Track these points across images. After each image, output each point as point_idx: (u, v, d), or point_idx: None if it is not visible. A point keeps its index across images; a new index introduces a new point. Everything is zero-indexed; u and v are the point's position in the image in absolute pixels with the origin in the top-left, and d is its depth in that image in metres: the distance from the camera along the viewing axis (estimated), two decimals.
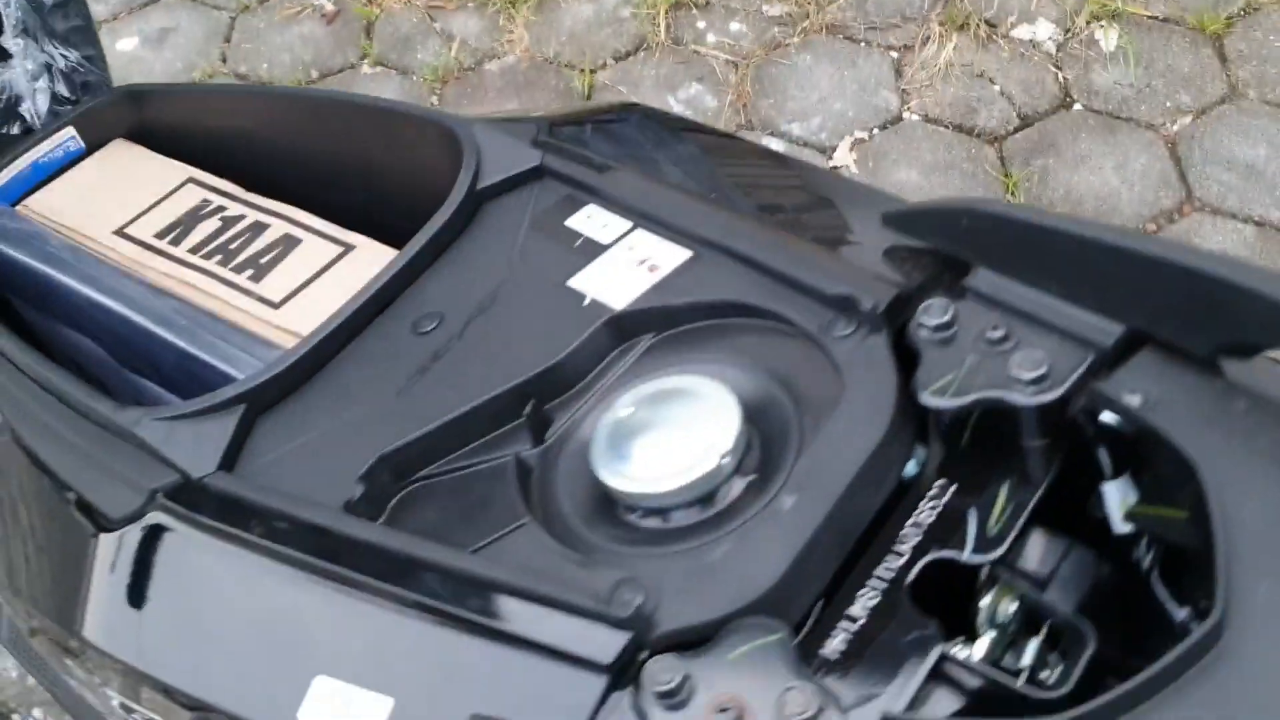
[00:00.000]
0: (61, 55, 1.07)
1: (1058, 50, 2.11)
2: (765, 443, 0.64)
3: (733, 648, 0.57)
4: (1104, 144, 2.01)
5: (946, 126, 2.04)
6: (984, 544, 0.61)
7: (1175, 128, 2.01)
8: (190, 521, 0.70)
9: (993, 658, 0.60)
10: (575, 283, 0.75)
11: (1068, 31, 2.12)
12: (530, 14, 2.22)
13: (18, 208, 1.03)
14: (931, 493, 0.64)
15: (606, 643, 0.57)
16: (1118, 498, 0.66)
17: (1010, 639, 0.63)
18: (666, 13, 2.18)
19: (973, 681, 0.59)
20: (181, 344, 0.88)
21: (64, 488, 0.77)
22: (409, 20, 2.25)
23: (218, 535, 0.69)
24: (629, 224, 0.77)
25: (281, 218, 0.97)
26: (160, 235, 0.98)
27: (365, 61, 2.20)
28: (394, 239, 0.92)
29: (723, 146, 0.94)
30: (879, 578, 0.61)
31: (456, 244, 0.79)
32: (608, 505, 0.65)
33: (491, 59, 2.19)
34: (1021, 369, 0.62)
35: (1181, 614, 0.60)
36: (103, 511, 0.73)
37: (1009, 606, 0.62)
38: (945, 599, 0.61)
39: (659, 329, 0.71)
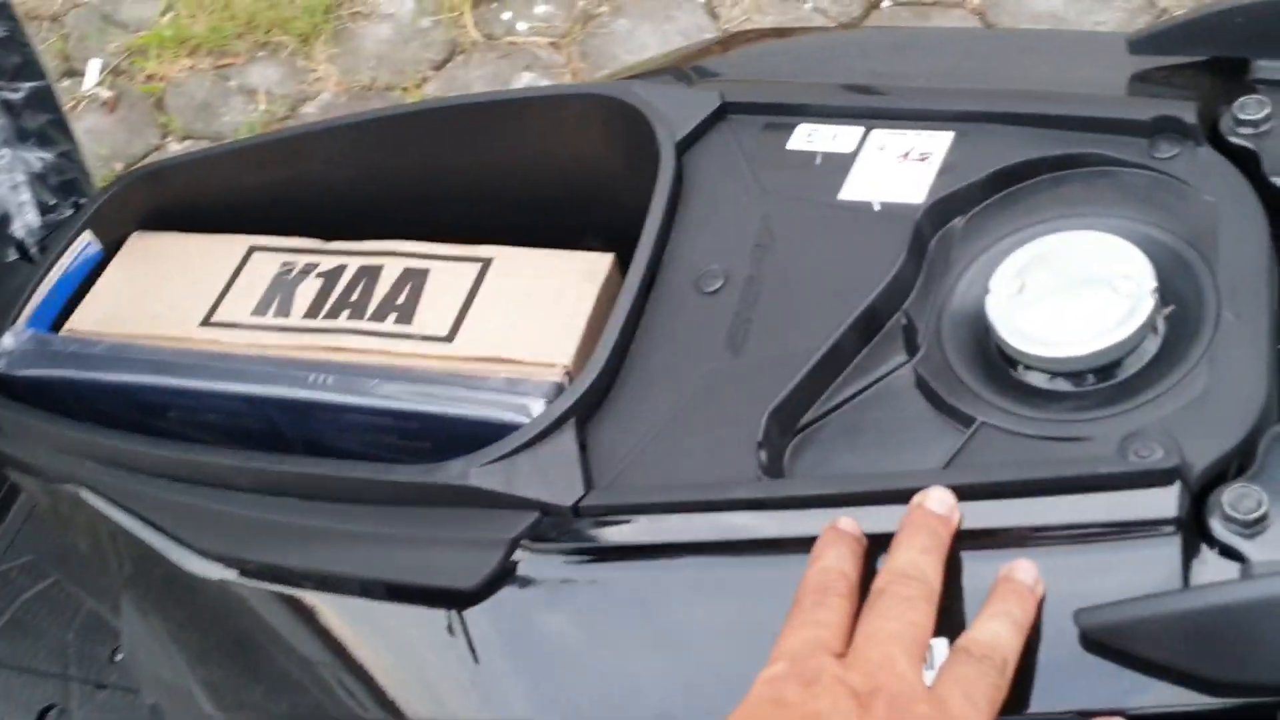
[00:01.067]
0: (38, 158, 0.93)
1: None
2: (1159, 272, 0.63)
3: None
4: None
5: None
6: None
7: (976, 0, 2.13)
8: (579, 552, 0.63)
9: None
10: (847, 195, 0.71)
11: None
12: (327, 46, 2.11)
13: (61, 334, 0.89)
14: None
15: (1162, 498, 0.55)
16: None
17: None
18: (470, 11, 2.12)
19: None
20: (382, 405, 0.78)
21: (375, 587, 0.67)
22: (200, 85, 2.10)
23: (625, 555, 0.62)
24: (860, 128, 0.74)
25: (388, 254, 0.88)
26: (259, 312, 0.87)
27: (170, 137, 2.03)
28: (527, 237, 0.85)
29: (870, 38, 0.92)
30: None
31: (684, 203, 0.74)
32: (1036, 383, 0.63)
33: (305, 101, 2.07)
34: None
35: None
36: (452, 589, 0.64)
37: None
38: None
39: (965, 210, 0.69)
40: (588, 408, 0.67)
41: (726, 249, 0.71)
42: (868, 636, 0.54)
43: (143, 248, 0.94)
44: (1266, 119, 0.66)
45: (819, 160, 0.73)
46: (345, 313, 0.85)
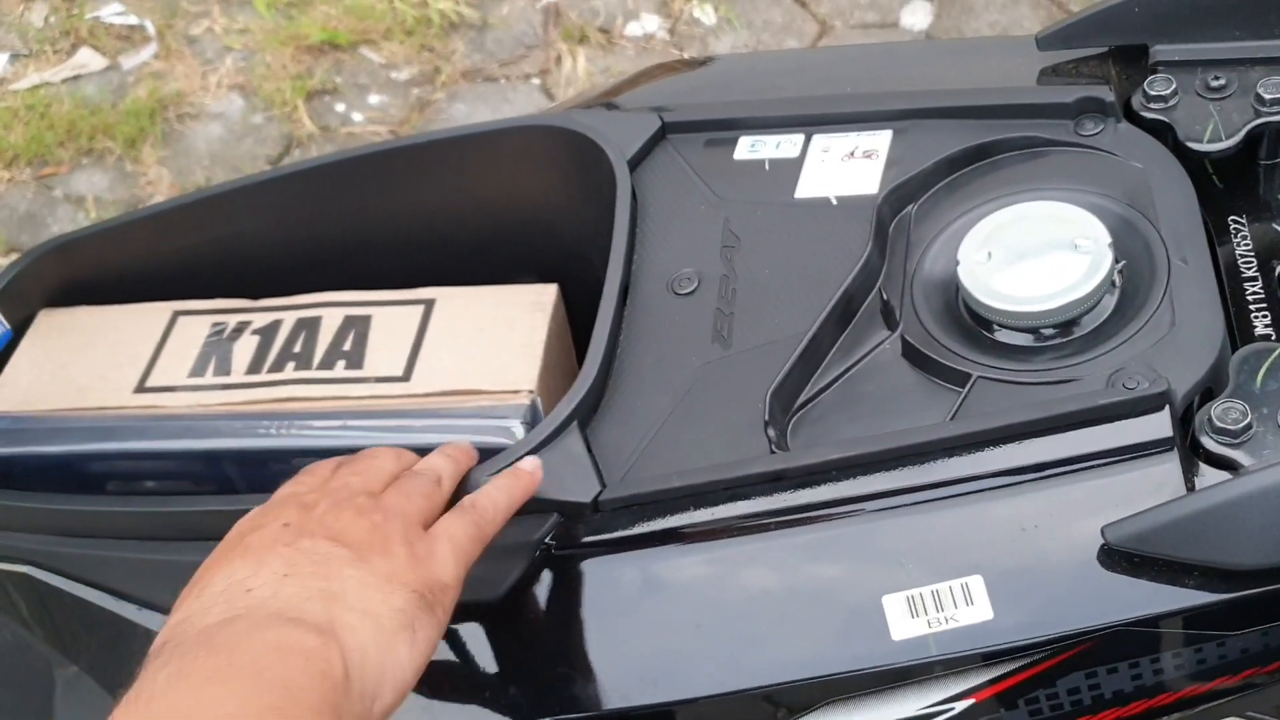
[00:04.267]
0: None
1: (672, 35, 2.28)
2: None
3: (1251, 377, 0.61)
4: None
5: None
6: None
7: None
8: (604, 546, 0.63)
9: None
10: (803, 194, 0.75)
11: (672, 18, 2.30)
12: (156, 149, 2.06)
13: None
14: (1232, 228, 0.72)
15: (1156, 422, 0.60)
16: None
17: None
18: (303, 104, 2.11)
19: None
20: (355, 443, 0.77)
21: None
22: (22, 197, 2.01)
23: (649, 543, 0.63)
24: (801, 135, 0.78)
25: (324, 305, 0.87)
26: (197, 374, 0.84)
27: None
28: (458, 278, 0.85)
29: (790, 57, 0.96)
30: (1254, 301, 0.68)
31: (641, 218, 0.76)
32: (1012, 341, 0.67)
33: (139, 206, 2.01)
34: (1270, 92, 0.71)
35: None
36: (477, 601, 0.63)
37: None
38: None
39: (917, 196, 0.74)
40: (587, 411, 0.67)
41: (694, 253, 0.74)
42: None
43: (55, 324, 0.90)
44: (1174, 93, 0.73)
45: (768, 167, 0.77)
46: (290, 364, 0.83)
